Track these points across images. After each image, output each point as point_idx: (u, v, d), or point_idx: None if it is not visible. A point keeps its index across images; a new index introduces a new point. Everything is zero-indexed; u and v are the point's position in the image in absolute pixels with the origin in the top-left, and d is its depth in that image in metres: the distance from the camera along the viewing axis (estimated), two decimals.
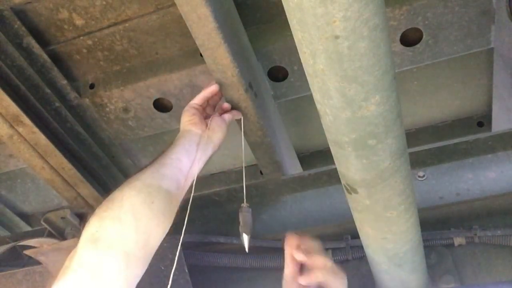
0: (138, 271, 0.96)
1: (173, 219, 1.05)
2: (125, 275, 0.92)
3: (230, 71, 1.26)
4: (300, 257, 1.04)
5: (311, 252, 1.06)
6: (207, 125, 1.24)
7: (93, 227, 0.95)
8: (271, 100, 1.59)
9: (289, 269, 1.07)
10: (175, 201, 1.07)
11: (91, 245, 0.92)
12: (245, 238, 1.15)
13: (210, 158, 1.25)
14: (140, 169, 1.09)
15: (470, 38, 1.42)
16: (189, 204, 1.14)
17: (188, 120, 1.25)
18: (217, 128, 1.26)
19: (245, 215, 1.17)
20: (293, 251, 1.06)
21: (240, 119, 1.36)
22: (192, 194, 1.16)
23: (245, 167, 1.29)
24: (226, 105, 1.33)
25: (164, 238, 1.39)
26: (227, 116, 1.31)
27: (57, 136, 1.63)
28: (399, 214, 1.00)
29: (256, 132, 1.46)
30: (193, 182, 1.18)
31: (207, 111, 1.33)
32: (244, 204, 1.18)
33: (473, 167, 1.39)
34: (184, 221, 1.54)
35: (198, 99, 1.29)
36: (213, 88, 1.29)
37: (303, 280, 1.05)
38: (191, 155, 1.17)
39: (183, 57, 1.52)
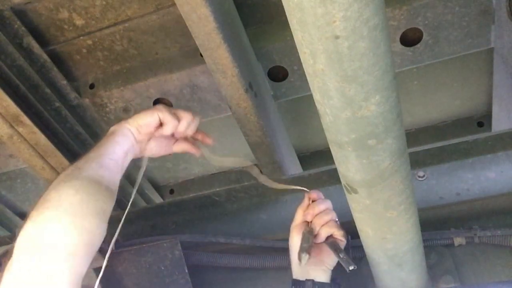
0: (81, 270, 0.92)
1: (108, 219, 1.00)
2: (69, 277, 0.88)
3: (230, 71, 1.26)
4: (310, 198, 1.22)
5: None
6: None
7: (30, 232, 0.89)
8: (271, 100, 1.58)
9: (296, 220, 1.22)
10: (111, 202, 1.02)
11: (30, 251, 0.87)
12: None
13: None
14: (74, 164, 1.04)
15: (470, 38, 1.42)
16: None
17: (142, 133, 1.17)
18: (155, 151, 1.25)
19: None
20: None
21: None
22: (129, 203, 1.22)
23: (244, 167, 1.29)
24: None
25: (164, 238, 1.39)
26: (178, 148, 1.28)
27: (57, 136, 1.63)
28: (399, 214, 1.00)
29: (256, 132, 1.46)
30: (133, 189, 1.24)
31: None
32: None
33: (473, 167, 1.38)
34: (184, 222, 1.53)
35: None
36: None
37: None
38: (127, 160, 1.13)
39: (183, 57, 1.52)
